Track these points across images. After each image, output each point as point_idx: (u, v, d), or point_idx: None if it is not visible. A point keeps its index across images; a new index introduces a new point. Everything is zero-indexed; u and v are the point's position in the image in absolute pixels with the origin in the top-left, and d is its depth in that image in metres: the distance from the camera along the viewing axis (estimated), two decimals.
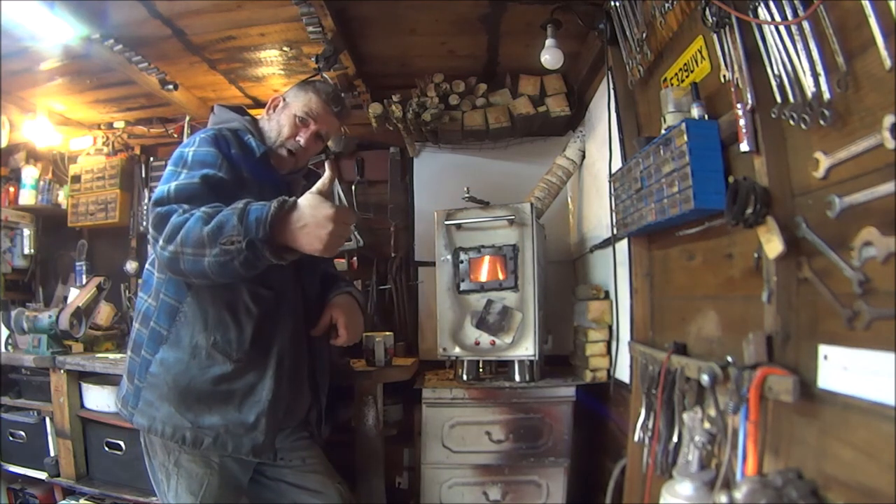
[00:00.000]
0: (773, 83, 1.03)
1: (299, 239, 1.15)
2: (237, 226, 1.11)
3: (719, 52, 1.21)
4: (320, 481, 1.57)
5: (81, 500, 2.29)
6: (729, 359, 1.13)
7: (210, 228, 1.13)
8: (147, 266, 1.48)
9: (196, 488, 1.38)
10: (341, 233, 1.16)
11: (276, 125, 1.52)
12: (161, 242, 1.19)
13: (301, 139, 1.50)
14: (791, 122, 0.99)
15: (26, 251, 3.22)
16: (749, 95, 1.10)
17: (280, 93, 1.60)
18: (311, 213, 1.14)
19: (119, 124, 3.06)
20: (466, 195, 2.22)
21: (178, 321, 1.37)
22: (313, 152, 1.59)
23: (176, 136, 3.01)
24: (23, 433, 2.47)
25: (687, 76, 1.44)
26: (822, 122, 0.91)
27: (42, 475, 2.38)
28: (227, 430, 1.36)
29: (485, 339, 2.12)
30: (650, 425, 1.44)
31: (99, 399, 2.27)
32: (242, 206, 1.14)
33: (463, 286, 2.18)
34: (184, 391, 1.35)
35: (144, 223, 3.06)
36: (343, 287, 1.65)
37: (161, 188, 1.27)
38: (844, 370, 0.87)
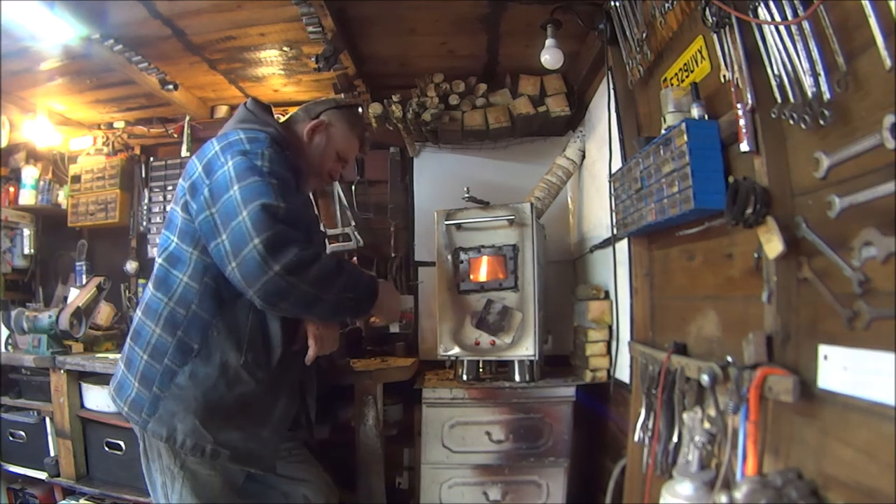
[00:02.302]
0: (773, 83, 1.03)
1: (382, 304, 1.46)
2: (366, 290, 1.41)
3: (719, 52, 1.21)
4: (306, 470, 1.64)
5: (81, 500, 2.29)
6: (729, 359, 1.13)
7: (347, 281, 1.33)
8: (162, 262, 1.41)
9: (200, 491, 1.39)
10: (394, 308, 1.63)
11: (319, 155, 1.58)
12: (278, 268, 1.20)
13: (337, 176, 1.66)
14: (791, 122, 0.99)
15: (26, 251, 3.22)
16: (749, 95, 1.10)
17: (323, 120, 1.59)
18: (391, 293, 1.59)
19: (119, 124, 3.06)
20: (466, 195, 2.22)
21: (210, 336, 1.35)
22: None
23: (176, 136, 3.01)
24: (23, 433, 2.47)
25: (687, 76, 1.44)
26: (822, 122, 0.91)
27: (42, 475, 2.38)
28: (244, 444, 1.39)
29: (485, 339, 2.11)
30: (650, 425, 1.44)
31: (99, 399, 2.27)
32: (371, 280, 1.45)
33: (463, 286, 2.17)
34: (213, 407, 1.35)
35: (144, 223, 3.06)
36: None
37: (268, 201, 1.23)
38: (844, 370, 0.87)
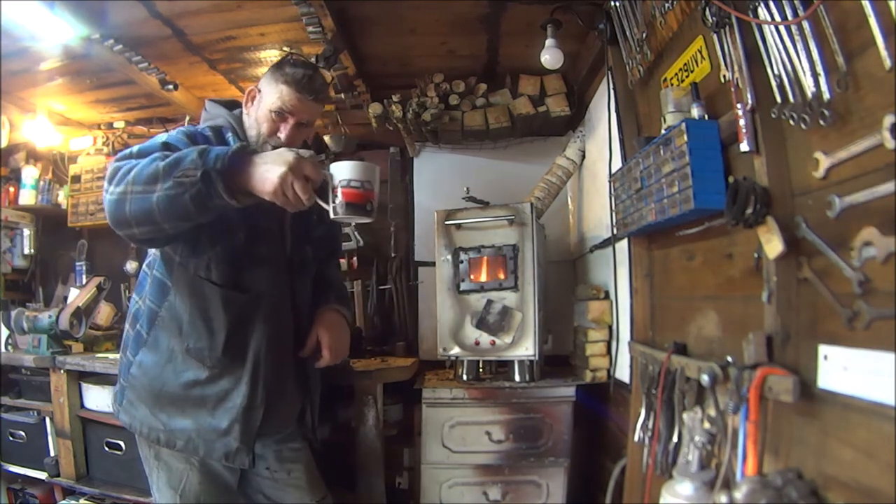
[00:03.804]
0: (773, 83, 1.03)
1: (254, 176, 1.13)
2: (196, 160, 1.10)
3: (719, 52, 1.21)
4: (298, 498, 1.54)
5: (81, 500, 2.29)
6: (729, 359, 1.13)
7: (167, 163, 1.12)
8: (143, 268, 1.48)
9: (176, 483, 1.41)
10: (293, 182, 1.12)
11: (255, 123, 1.43)
12: (109, 188, 1.17)
13: (282, 135, 1.40)
14: (791, 122, 0.99)
15: (26, 251, 3.22)
16: (749, 95, 1.09)
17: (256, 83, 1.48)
18: (274, 156, 1.15)
19: (119, 124, 3.06)
20: (466, 195, 2.22)
21: (156, 325, 1.39)
22: (300, 141, 1.50)
23: None
24: (23, 433, 2.47)
25: (687, 76, 1.44)
26: (822, 122, 0.91)
27: (42, 475, 2.38)
28: (198, 434, 1.37)
29: (485, 339, 2.12)
30: (650, 425, 1.44)
31: (99, 399, 2.27)
32: (204, 147, 1.14)
33: (463, 286, 2.18)
34: (158, 394, 1.38)
35: None
36: (332, 301, 1.61)
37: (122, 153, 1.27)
38: (844, 370, 0.87)
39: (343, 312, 1.61)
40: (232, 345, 1.37)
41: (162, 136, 1.33)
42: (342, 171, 1.21)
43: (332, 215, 1.22)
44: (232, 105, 1.53)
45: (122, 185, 1.15)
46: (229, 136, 1.42)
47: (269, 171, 1.12)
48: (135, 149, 1.25)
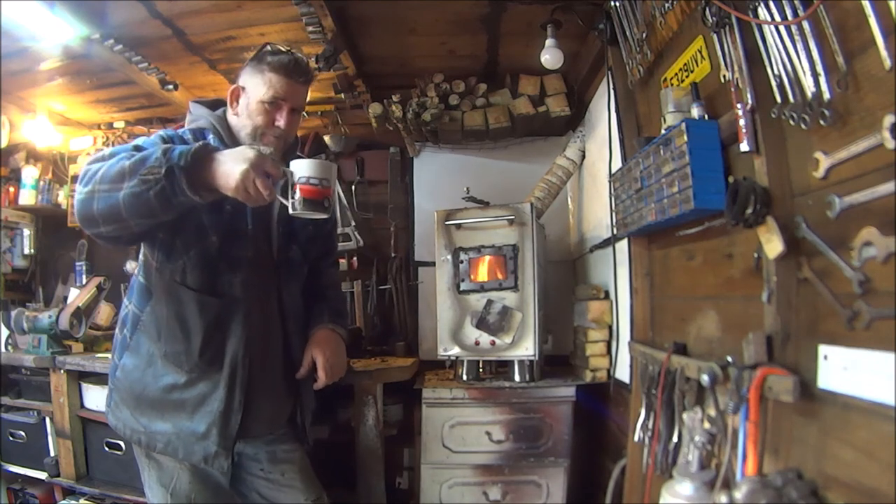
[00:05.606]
0: (773, 83, 1.03)
1: (216, 173, 1.15)
2: (160, 158, 1.12)
3: (719, 52, 1.21)
4: (292, 498, 1.55)
5: (81, 500, 2.29)
6: (729, 359, 1.13)
7: (133, 161, 1.14)
8: (136, 273, 1.48)
9: (167, 481, 1.42)
10: (255, 178, 1.13)
11: (248, 119, 1.40)
12: (78, 188, 1.19)
13: (280, 123, 1.40)
14: (791, 122, 0.99)
15: (26, 251, 3.22)
16: (749, 95, 1.10)
17: (237, 83, 1.45)
18: (236, 154, 1.17)
19: (119, 124, 3.06)
20: (466, 195, 2.22)
21: (138, 329, 1.41)
22: (297, 127, 1.51)
23: None
24: (23, 433, 2.47)
25: (687, 76, 1.44)
26: (822, 122, 0.91)
27: (42, 475, 2.38)
28: (178, 437, 1.38)
29: (485, 339, 2.12)
30: (650, 425, 1.44)
31: (99, 399, 2.26)
32: (169, 145, 1.16)
33: (463, 286, 2.18)
34: (138, 397, 1.41)
35: None
36: (326, 319, 1.60)
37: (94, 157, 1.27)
38: (844, 370, 0.87)
39: (338, 331, 1.61)
40: (208, 349, 1.37)
41: (137, 140, 1.34)
42: (301, 169, 1.24)
43: (290, 211, 1.26)
44: (215, 105, 1.50)
45: (90, 184, 1.17)
46: (210, 137, 1.40)
47: (232, 169, 1.14)
48: (107, 151, 1.26)
